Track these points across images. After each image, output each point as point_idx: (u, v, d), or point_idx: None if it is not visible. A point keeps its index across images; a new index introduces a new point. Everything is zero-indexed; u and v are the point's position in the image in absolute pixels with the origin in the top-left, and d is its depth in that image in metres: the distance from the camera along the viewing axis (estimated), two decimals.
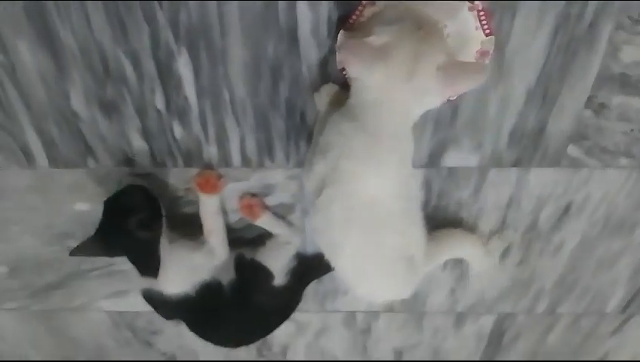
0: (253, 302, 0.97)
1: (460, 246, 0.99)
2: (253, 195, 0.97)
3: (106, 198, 0.88)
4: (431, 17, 0.65)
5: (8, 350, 1.32)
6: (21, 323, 1.25)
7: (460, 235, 0.99)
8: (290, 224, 1.01)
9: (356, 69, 0.64)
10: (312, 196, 0.77)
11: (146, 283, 0.93)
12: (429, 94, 0.64)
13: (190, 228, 0.97)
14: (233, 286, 0.95)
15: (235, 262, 0.97)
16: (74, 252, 0.88)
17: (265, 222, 0.98)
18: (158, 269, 0.90)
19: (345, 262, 0.80)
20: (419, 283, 0.88)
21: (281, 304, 1.01)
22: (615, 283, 1.12)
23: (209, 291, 0.94)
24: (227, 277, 0.96)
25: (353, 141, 0.69)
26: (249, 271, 0.96)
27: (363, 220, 0.74)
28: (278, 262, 0.97)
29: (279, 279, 0.96)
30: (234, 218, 1.00)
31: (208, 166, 0.93)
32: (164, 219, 0.90)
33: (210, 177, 0.92)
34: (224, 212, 0.98)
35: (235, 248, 0.98)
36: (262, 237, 1.00)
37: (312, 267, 1.01)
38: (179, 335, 1.25)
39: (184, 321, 0.99)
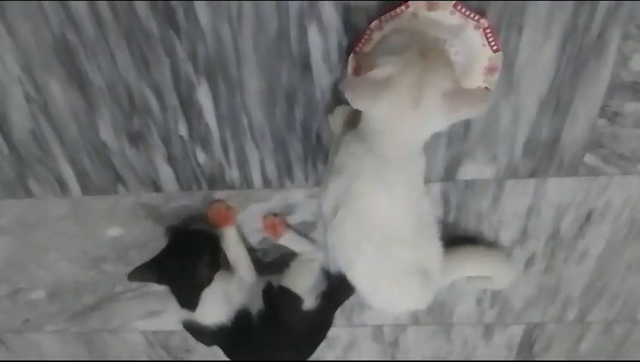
0: (285, 328, 0.98)
1: (481, 266, 0.99)
2: (275, 215, 1.00)
3: (173, 230, 0.95)
4: (436, 43, 0.66)
5: None
6: (62, 345, 1.30)
7: (480, 254, 0.99)
8: (312, 241, 1.03)
9: (362, 104, 0.65)
10: (328, 215, 0.79)
11: (185, 314, 0.96)
12: (434, 119, 0.65)
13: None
14: (261, 315, 0.97)
15: (263, 291, 0.99)
16: (132, 277, 0.91)
17: (288, 240, 1.01)
18: (197, 303, 0.93)
19: (359, 276, 0.82)
20: (437, 294, 0.89)
21: (314, 327, 1.02)
22: None
23: (242, 319, 0.97)
24: (256, 306, 0.98)
25: (363, 162, 0.71)
26: (277, 299, 0.98)
27: (375, 237, 0.75)
28: (304, 283, 0.99)
29: (309, 302, 0.98)
30: (258, 237, 1.04)
31: (230, 187, 0.97)
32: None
33: (220, 210, 0.96)
34: (245, 237, 1.02)
35: (262, 275, 1.00)
36: (286, 260, 1.03)
37: (341, 288, 1.02)
38: (211, 353, 1.28)
39: (222, 349, 1.02)
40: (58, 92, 0.85)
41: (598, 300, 1.13)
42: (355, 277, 0.82)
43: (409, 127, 0.66)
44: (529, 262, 1.07)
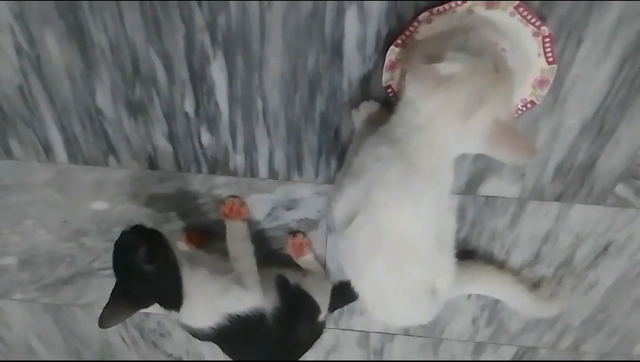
0: (294, 335, 0.90)
1: (490, 287, 0.96)
2: (303, 234, 0.96)
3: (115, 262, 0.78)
4: (508, 63, 0.60)
5: (14, 339, 1.30)
6: (29, 315, 1.22)
7: (491, 274, 0.95)
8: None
9: (415, 91, 0.59)
10: (340, 219, 0.72)
11: (176, 316, 0.82)
12: (472, 140, 0.59)
13: (212, 237, 0.94)
14: (277, 315, 0.86)
15: (277, 286, 0.89)
16: (104, 323, 0.76)
17: (307, 261, 0.98)
18: (180, 302, 0.80)
19: (366, 287, 0.76)
20: (439, 310, 0.84)
21: (315, 336, 0.96)
22: None
23: (247, 322, 0.84)
24: (270, 304, 0.87)
25: (390, 169, 0.64)
26: (297, 302, 0.90)
27: (391, 251, 0.69)
28: (323, 297, 0.94)
29: (323, 314, 0.94)
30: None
31: (233, 174, 0.89)
32: (170, 248, 0.80)
33: (234, 204, 0.91)
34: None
35: (267, 267, 0.90)
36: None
37: (341, 297, 0.98)
38: (187, 340, 1.22)
39: (220, 347, 0.90)
40: (54, 47, 0.76)
41: (597, 332, 1.10)
42: (362, 288, 0.76)
43: (446, 135, 0.60)
44: (534, 287, 1.01)
